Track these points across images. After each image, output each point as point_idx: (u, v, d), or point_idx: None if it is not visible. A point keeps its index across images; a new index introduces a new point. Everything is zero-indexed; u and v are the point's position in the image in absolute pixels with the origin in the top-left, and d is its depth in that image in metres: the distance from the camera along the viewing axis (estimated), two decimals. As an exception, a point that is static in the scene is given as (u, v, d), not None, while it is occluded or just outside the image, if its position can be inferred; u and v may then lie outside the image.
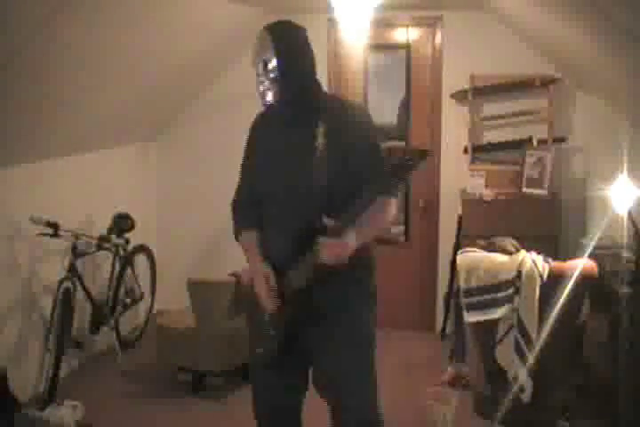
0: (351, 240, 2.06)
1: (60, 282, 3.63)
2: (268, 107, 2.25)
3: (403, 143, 1.72)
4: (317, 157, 2.16)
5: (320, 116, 2.19)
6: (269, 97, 2.19)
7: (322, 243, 2.03)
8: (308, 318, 2.20)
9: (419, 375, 4.01)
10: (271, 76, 2.16)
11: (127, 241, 4.24)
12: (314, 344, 2.24)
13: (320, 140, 2.16)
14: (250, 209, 2.33)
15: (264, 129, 2.33)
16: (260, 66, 2.16)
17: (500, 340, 3.05)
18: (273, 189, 2.24)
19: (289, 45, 2.16)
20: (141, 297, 4.50)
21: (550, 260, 3.07)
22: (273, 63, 2.14)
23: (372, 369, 2.27)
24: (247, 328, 2.41)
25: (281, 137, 2.25)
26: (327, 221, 2.05)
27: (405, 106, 4.78)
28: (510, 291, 2.99)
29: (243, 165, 2.41)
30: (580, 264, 2.94)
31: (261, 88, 2.19)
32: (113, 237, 4.09)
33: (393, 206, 2.20)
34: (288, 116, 2.23)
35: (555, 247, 4.02)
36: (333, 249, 2.03)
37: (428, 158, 1.93)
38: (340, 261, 2.04)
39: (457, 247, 4.21)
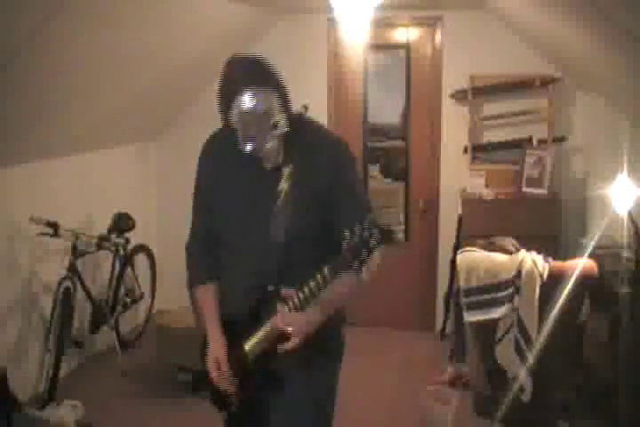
0: (314, 317, 1.83)
1: (60, 282, 3.63)
2: (223, 130, 1.94)
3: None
4: (278, 207, 1.88)
5: (288, 152, 1.89)
6: (259, 146, 1.83)
7: (282, 316, 1.81)
8: (266, 383, 2.00)
9: (419, 375, 4.00)
10: (271, 122, 1.84)
11: (127, 241, 4.23)
12: (270, 406, 2.03)
13: (284, 185, 1.87)
14: (208, 256, 2.05)
15: (222, 158, 2.00)
16: (256, 116, 1.80)
17: (500, 340, 3.05)
18: (229, 235, 1.98)
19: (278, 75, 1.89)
20: (141, 297, 4.50)
21: (550, 260, 3.07)
22: (274, 105, 1.84)
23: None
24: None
25: (241, 173, 1.95)
26: (285, 291, 1.82)
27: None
28: (510, 291, 2.99)
29: (196, 199, 2.08)
30: (580, 264, 2.94)
31: (253, 135, 1.82)
32: (113, 236, 4.09)
33: (358, 285, 1.89)
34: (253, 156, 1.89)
35: (555, 247, 4.02)
36: (296, 326, 1.81)
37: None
38: (301, 339, 1.82)
39: (457, 247, 4.21)
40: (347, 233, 1.68)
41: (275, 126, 1.84)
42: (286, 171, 1.89)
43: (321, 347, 1.95)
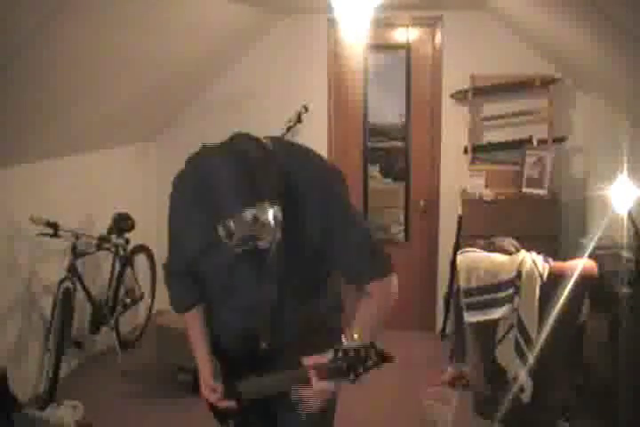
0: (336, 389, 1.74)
1: (60, 282, 3.63)
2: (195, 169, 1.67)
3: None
4: (269, 264, 1.71)
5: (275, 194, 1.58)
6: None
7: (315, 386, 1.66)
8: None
9: (419, 375, 4.01)
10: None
11: (127, 241, 4.23)
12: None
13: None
14: (192, 281, 1.93)
15: (200, 202, 1.64)
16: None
17: (500, 340, 3.05)
18: (214, 286, 1.87)
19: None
20: (141, 297, 4.50)
21: (550, 260, 3.07)
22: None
23: None
24: None
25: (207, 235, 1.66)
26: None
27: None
28: (510, 291, 2.99)
29: (175, 230, 1.87)
30: (580, 264, 2.94)
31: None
32: (113, 237, 4.09)
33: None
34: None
35: (555, 247, 4.02)
36: (324, 393, 1.74)
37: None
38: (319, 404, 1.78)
39: (457, 247, 4.21)
40: (343, 346, 1.64)
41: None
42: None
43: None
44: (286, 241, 1.62)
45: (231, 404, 1.89)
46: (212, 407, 2.02)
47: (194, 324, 1.95)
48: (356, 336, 1.74)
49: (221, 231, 1.50)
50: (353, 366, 1.65)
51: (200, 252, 1.78)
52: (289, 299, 1.80)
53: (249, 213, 1.47)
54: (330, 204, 1.72)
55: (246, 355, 1.90)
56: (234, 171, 1.49)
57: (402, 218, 4.88)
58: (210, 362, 1.92)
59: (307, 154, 1.79)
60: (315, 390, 1.69)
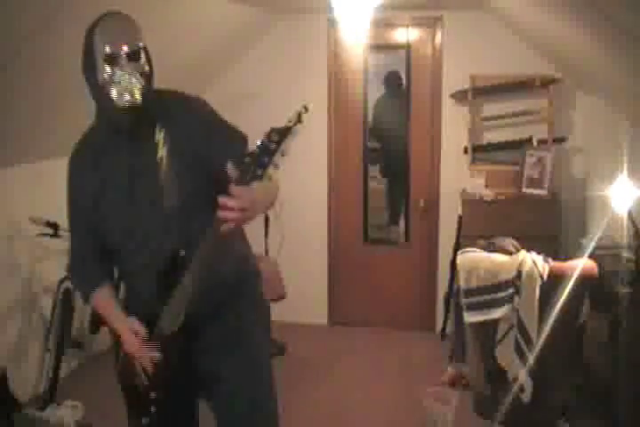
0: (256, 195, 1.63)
1: (60, 282, 3.63)
2: (87, 135, 1.98)
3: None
4: (164, 174, 1.87)
5: (156, 122, 1.89)
6: (138, 96, 1.84)
7: (233, 191, 1.57)
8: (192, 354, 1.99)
9: (419, 375, 4.01)
10: (144, 69, 1.90)
11: (127, 241, 4.23)
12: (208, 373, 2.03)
13: (162, 153, 1.87)
14: (94, 267, 2.05)
15: (96, 163, 1.93)
16: (125, 56, 1.82)
17: (500, 340, 3.05)
18: (125, 230, 1.93)
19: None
20: (141, 297, 4.50)
21: (550, 260, 3.07)
22: (142, 53, 1.87)
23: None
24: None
25: (121, 166, 1.90)
26: (230, 168, 1.57)
27: (381, 105, 4.79)
28: (510, 291, 2.99)
29: (74, 218, 2.03)
30: (580, 264, 2.94)
31: (128, 84, 1.83)
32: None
33: (270, 186, 1.79)
34: (127, 132, 1.89)
35: (555, 247, 4.02)
36: (243, 196, 1.58)
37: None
38: (247, 215, 1.63)
39: (457, 247, 4.21)
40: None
41: (143, 73, 1.88)
42: (159, 140, 1.87)
43: (235, 292, 2.01)
44: (174, 151, 1.85)
45: (155, 353, 1.94)
46: (132, 398, 2.12)
47: (104, 294, 2.03)
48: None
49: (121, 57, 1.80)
50: (257, 157, 1.55)
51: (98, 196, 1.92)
52: (193, 205, 1.88)
53: (114, 26, 1.89)
54: (202, 114, 1.96)
55: (162, 283, 1.90)
56: None
57: (402, 218, 4.90)
58: (122, 313, 2.00)
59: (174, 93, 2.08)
60: (236, 195, 1.56)
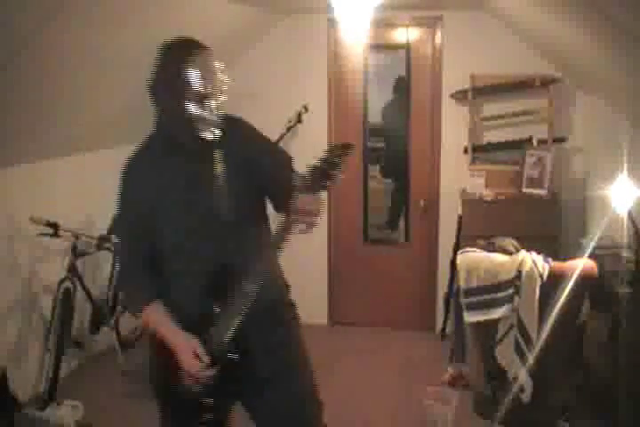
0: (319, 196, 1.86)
1: (60, 282, 3.63)
2: (143, 149, 2.07)
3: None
4: (220, 190, 1.99)
5: (215, 141, 2.02)
6: (215, 130, 2.00)
7: (306, 198, 1.82)
8: (241, 366, 2.05)
9: (419, 375, 4.01)
10: (220, 100, 2.01)
11: (127, 241, 4.23)
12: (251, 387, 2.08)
13: (218, 170, 2.00)
14: (148, 280, 2.07)
15: (152, 178, 2.02)
16: (211, 95, 1.99)
17: (500, 340, 3.05)
18: (180, 242, 2.02)
19: None
20: (141, 297, 4.50)
21: (550, 260, 3.07)
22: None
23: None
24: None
25: (179, 180, 2.00)
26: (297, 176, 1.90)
27: (392, 107, 4.79)
28: (510, 291, 2.99)
29: (130, 229, 2.06)
30: (580, 264, 2.94)
31: (211, 120, 1.99)
32: (113, 236, 4.09)
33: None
34: (191, 152, 2.00)
35: (555, 247, 4.02)
36: (316, 203, 1.84)
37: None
38: (318, 220, 1.85)
39: (457, 247, 4.21)
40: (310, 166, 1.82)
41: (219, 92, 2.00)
42: (217, 157, 1.99)
43: (279, 320, 2.14)
44: (230, 168, 1.99)
45: (211, 372, 1.99)
46: (179, 409, 2.07)
47: (159, 308, 2.03)
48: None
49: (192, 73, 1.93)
50: (324, 170, 1.80)
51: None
52: (246, 220, 2.03)
53: (202, 53, 1.97)
54: (255, 135, 2.14)
55: (209, 296, 1.99)
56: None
57: (402, 218, 4.90)
58: (186, 334, 2.01)
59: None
60: (307, 202, 1.82)
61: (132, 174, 2.05)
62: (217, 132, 2.01)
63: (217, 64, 2.01)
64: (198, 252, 2.01)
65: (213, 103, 1.98)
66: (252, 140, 2.12)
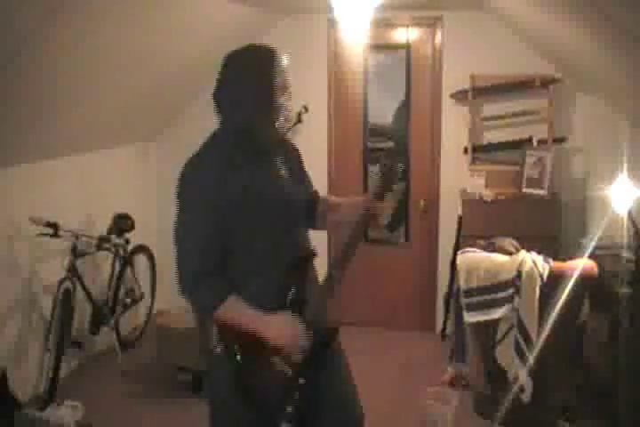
0: None
1: (60, 282, 3.63)
2: (215, 149, 2.12)
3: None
4: (294, 183, 2.19)
5: (276, 146, 2.18)
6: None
7: (372, 202, 2.15)
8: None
9: (419, 375, 4.01)
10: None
11: (127, 241, 4.23)
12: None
13: (284, 171, 2.17)
14: (222, 277, 2.06)
15: (231, 175, 2.05)
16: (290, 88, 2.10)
17: (500, 340, 3.05)
18: (262, 235, 2.08)
19: None
20: (141, 297, 4.50)
21: (550, 260, 3.07)
22: None
23: None
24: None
25: (257, 178, 2.08)
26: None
27: (405, 108, 4.79)
28: (510, 291, 2.99)
29: (209, 226, 2.04)
30: (580, 264, 2.94)
31: (291, 111, 2.12)
32: (113, 237, 4.09)
33: None
34: (266, 152, 2.14)
35: (555, 247, 4.02)
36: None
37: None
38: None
39: (457, 247, 4.21)
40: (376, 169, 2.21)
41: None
42: (280, 160, 2.18)
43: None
44: (292, 176, 2.20)
45: (306, 342, 2.07)
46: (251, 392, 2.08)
47: (235, 305, 2.03)
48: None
49: (278, 77, 2.05)
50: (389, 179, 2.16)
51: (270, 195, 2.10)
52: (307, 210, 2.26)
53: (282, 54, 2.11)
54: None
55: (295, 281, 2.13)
56: None
57: (402, 218, 4.88)
58: (276, 314, 2.05)
59: None
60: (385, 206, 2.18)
61: (207, 174, 2.04)
62: (288, 136, 2.21)
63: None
64: (284, 242, 2.11)
65: (290, 107, 2.09)
66: (297, 151, 2.33)
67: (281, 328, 2.03)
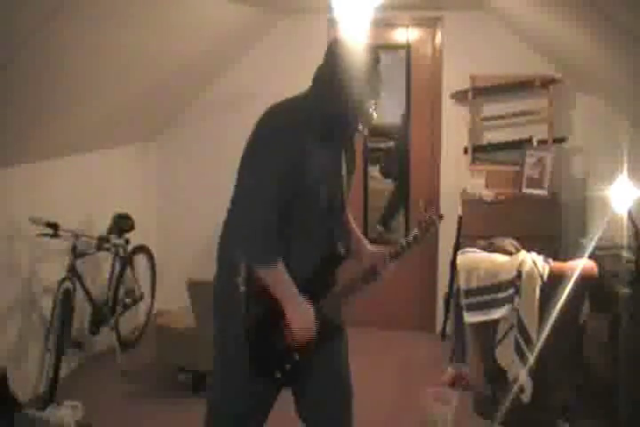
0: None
1: (60, 282, 3.63)
2: (301, 119, 2.15)
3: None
4: (344, 181, 2.26)
5: (342, 139, 2.24)
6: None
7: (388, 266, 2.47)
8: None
9: (419, 375, 4.01)
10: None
11: (127, 241, 4.23)
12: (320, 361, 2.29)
13: (343, 165, 2.24)
14: (276, 240, 2.11)
15: (311, 144, 2.11)
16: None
17: (500, 340, 3.05)
18: (312, 210, 2.17)
19: None
20: (141, 297, 4.50)
21: (550, 260, 3.07)
22: None
23: None
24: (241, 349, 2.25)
25: (329, 157, 2.19)
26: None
27: (405, 108, 4.79)
28: (510, 291, 2.99)
29: (279, 179, 2.06)
30: (580, 264, 2.94)
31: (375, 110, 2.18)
32: (113, 237, 4.09)
33: None
34: (345, 136, 2.25)
35: (555, 248, 4.02)
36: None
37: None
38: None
39: (457, 247, 4.21)
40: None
41: None
42: (342, 153, 2.24)
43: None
44: (349, 164, 2.28)
45: (314, 334, 2.20)
46: (258, 361, 2.22)
47: (284, 274, 2.12)
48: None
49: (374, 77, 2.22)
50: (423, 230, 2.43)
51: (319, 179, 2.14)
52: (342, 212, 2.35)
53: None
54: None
55: (323, 273, 2.27)
56: None
57: (402, 218, 4.89)
58: (308, 303, 2.17)
59: None
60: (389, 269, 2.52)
61: (290, 139, 2.09)
62: (366, 129, 2.19)
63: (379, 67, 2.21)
64: (322, 227, 2.21)
65: (373, 102, 2.14)
66: (354, 146, 2.36)
67: (302, 314, 2.14)
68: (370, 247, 2.43)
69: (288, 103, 2.23)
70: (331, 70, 2.18)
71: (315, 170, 2.09)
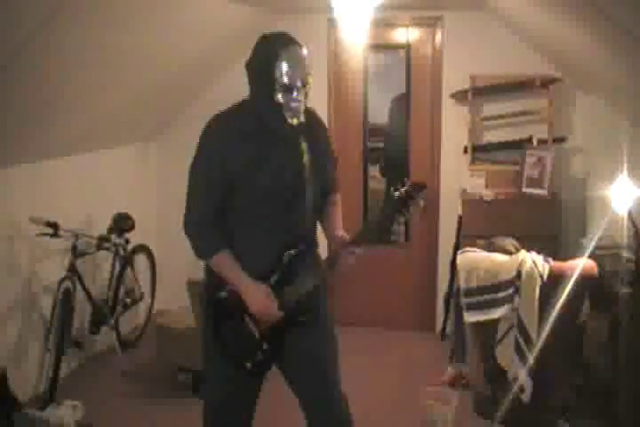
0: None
1: (60, 282, 3.63)
2: (234, 118, 2.21)
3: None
4: (307, 178, 2.23)
5: (301, 130, 2.20)
6: (302, 117, 2.15)
7: (352, 252, 2.19)
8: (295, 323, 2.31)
9: (419, 375, 4.00)
10: (307, 91, 2.14)
11: (127, 241, 4.23)
12: (296, 342, 2.32)
13: (306, 157, 2.22)
14: (219, 230, 2.23)
15: (246, 137, 2.17)
16: (300, 82, 2.10)
17: (500, 340, 3.05)
18: (259, 208, 2.19)
19: None
20: (141, 297, 4.50)
21: (550, 260, 3.07)
22: (310, 78, 2.14)
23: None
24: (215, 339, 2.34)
25: (273, 151, 2.18)
26: (341, 232, 2.29)
27: (398, 103, 4.79)
28: (510, 291, 2.99)
29: (214, 181, 2.18)
30: (580, 264, 2.94)
31: (297, 110, 2.12)
32: (113, 236, 4.09)
33: None
34: (281, 138, 2.19)
35: (555, 247, 4.02)
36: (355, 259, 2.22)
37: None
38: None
39: (457, 247, 4.21)
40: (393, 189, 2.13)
41: (307, 85, 2.13)
42: (303, 145, 2.21)
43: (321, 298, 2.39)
44: (314, 158, 2.24)
45: (280, 313, 2.22)
46: (229, 349, 2.29)
47: (227, 261, 2.21)
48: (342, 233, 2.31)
49: (281, 68, 2.06)
50: (404, 203, 2.13)
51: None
52: (316, 209, 2.32)
53: (296, 46, 2.11)
54: (326, 133, 2.42)
55: (288, 260, 2.24)
56: None
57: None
58: (258, 284, 2.21)
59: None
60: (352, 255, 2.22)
61: (224, 137, 2.18)
62: (302, 119, 2.15)
63: (304, 56, 2.12)
64: (285, 216, 2.21)
65: (301, 93, 2.11)
66: (324, 132, 2.37)
67: (256, 297, 2.19)
68: (336, 232, 2.32)
69: (226, 109, 2.27)
70: (250, 67, 2.18)
71: (259, 166, 2.15)
